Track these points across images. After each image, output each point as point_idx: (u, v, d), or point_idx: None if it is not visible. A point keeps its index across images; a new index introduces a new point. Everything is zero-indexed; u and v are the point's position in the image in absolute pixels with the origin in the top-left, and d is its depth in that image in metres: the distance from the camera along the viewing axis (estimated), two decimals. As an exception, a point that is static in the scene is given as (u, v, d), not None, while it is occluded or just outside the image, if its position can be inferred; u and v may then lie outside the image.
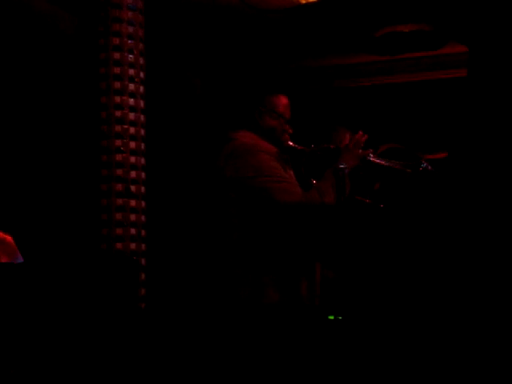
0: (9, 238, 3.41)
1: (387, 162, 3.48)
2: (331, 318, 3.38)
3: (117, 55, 5.23)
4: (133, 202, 5.29)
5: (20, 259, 3.42)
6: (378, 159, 3.48)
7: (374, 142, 3.52)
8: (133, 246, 5.25)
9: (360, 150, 3.45)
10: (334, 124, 4.24)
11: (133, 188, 5.29)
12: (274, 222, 3.37)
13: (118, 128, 5.26)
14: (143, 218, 5.35)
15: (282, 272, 3.34)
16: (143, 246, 5.33)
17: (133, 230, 5.27)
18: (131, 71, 5.27)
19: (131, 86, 5.28)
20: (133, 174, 5.29)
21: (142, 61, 5.34)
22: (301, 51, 7.04)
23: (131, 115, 5.29)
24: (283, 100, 3.60)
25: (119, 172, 5.25)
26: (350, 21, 6.32)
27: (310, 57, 7.23)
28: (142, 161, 5.36)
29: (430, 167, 3.38)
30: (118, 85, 5.25)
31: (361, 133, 3.49)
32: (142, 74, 5.34)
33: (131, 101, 5.28)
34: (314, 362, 3.34)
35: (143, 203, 5.35)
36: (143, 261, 5.32)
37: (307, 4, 5.89)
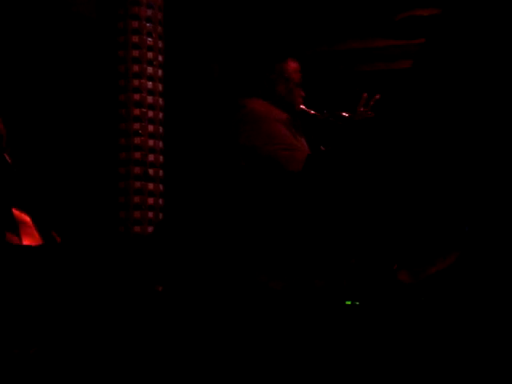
0: (27, 218, 3.42)
1: None
2: (348, 303, 3.37)
3: (135, 38, 5.23)
4: (151, 186, 5.30)
5: (39, 241, 3.44)
6: None
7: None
8: (150, 229, 5.27)
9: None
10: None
11: (151, 171, 5.30)
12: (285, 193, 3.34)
13: (136, 111, 5.27)
14: (161, 201, 5.36)
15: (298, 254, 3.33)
16: (161, 229, 5.35)
17: (150, 214, 5.28)
18: (150, 54, 5.27)
19: (150, 70, 5.28)
20: (151, 157, 5.31)
21: (160, 44, 5.34)
22: (320, 36, 7.01)
23: (149, 98, 5.30)
24: (292, 64, 3.58)
25: (137, 155, 5.27)
26: (370, 5, 6.28)
27: (329, 41, 7.20)
28: (160, 144, 5.37)
29: None
30: (136, 68, 5.25)
31: (377, 97, 3.45)
32: (160, 58, 5.34)
33: (150, 84, 5.29)
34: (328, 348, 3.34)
35: (161, 186, 5.37)
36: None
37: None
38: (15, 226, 3.22)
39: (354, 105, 3.59)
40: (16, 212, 3.26)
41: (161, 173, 5.38)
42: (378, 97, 3.46)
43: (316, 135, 3.56)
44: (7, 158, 3.19)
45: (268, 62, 3.56)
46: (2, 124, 3.36)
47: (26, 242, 3.28)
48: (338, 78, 7.45)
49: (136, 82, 5.26)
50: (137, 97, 5.26)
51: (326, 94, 3.81)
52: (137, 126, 5.27)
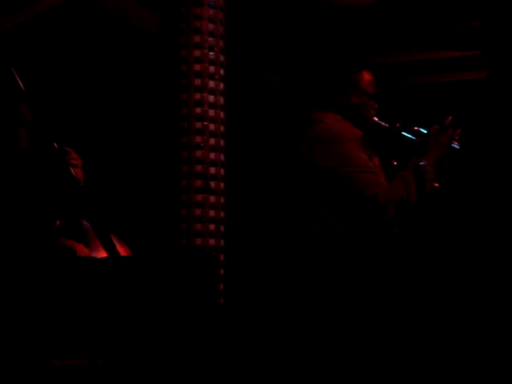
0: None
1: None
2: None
3: (197, 53, 5.27)
4: (212, 198, 5.33)
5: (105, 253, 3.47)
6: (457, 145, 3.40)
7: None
8: (212, 241, 5.29)
9: (446, 138, 3.36)
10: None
11: (212, 184, 5.33)
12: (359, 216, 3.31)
13: (198, 125, 5.30)
14: (222, 214, 5.38)
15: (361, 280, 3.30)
16: (222, 241, 5.36)
17: (212, 226, 5.30)
18: (211, 68, 5.30)
19: (211, 83, 5.31)
20: (212, 170, 5.33)
21: (222, 58, 5.37)
22: (381, 47, 6.97)
23: (211, 112, 5.33)
24: (366, 76, 3.51)
25: (199, 168, 5.30)
26: (432, 16, 6.23)
27: (390, 53, 7.15)
28: (222, 157, 5.40)
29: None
30: (198, 82, 5.29)
31: (450, 118, 3.38)
32: (222, 71, 5.38)
33: (211, 98, 5.32)
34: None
35: (222, 199, 5.39)
36: (222, 256, 5.36)
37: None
38: (84, 238, 3.26)
39: (420, 118, 3.55)
40: (85, 223, 3.31)
41: (222, 185, 5.40)
42: (451, 118, 3.39)
43: (388, 149, 3.52)
44: (73, 171, 3.24)
45: (340, 73, 3.51)
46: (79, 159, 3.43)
47: (94, 253, 3.32)
48: (399, 90, 7.40)
49: (198, 96, 5.30)
50: (198, 110, 5.30)
51: (389, 107, 3.76)
52: (198, 139, 5.31)
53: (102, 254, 3.28)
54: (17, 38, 4.91)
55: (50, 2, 5.06)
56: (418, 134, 3.42)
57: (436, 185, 3.39)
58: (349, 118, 3.46)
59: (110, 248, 3.26)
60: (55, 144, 3.18)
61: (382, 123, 3.48)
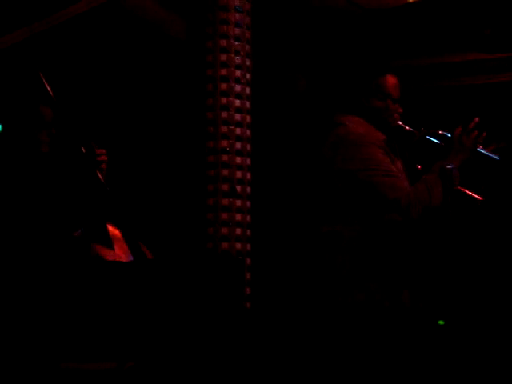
0: (120, 234, 3.47)
1: (494, 154, 3.35)
2: (441, 323, 3.31)
3: (224, 57, 5.29)
4: (238, 202, 5.34)
5: (130, 257, 3.50)
6: (487, 151, 3.35)
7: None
8: (238, 245, 5.30)
9: (471, 141, 3.32)
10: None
11: (238, 188, 5.34)
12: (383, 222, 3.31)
13: (224, 129, 5.32)
14: (248, 218, 5.39)
15: (388, 277, 3.29)
16: (248, 245, 5.37)
17: (238, 230, 5.32)
18: (238, 73, 5.32)
19: (237, 88, 5.33)
20: (238, 174, 5.35)
21: (248, 62, 5.39)
22: (408, 50, 6.94)
23: (237, 116, 5.35)
24: (391, 80, 3.48)
25: (225, 172, 5.32)
26: (459, 18, 6.20)
27: (417, 56, 7.12)
28: (248, 161, 5.41)
29: None
30: (224, 86, 5.31)
31: (476, 120, 3.34)
32: (248, 76, 5.39)
33: (237, 102, 5.34)
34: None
35: (248, 203, 5.40)
36: (248, 260, 5.36)
37: (415, 2, 5.81)
38: (110, 242, 3.28)
39: (445, 122, 3.52)
40: (110, 227, 3.33)
41: (248, 190, 5.41)
42: (477, 120, 3.35)
43: (412, 153, 3.50)
44: (100, 175, 3.26)
45: (365, 77, 3.49)
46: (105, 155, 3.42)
47: (119, 257, 3.33)
48: (424, 93, 7.36)
49: (224, 100, 5.31)
50: (225, 115, 5.32)
51: (414, 110, 3.73)
52: (225, 143, 5.32)
53: (126, 258, 3.29)
54: (46, 42, 4.95)
55: (79, 7, 5.10)
56: (442, 137, 3.39)
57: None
58: (372, 121, 3.43)
59: (137, 251, 3.28)
60: (83, 148, 3.20)
61: (406, 127, 3.45)
